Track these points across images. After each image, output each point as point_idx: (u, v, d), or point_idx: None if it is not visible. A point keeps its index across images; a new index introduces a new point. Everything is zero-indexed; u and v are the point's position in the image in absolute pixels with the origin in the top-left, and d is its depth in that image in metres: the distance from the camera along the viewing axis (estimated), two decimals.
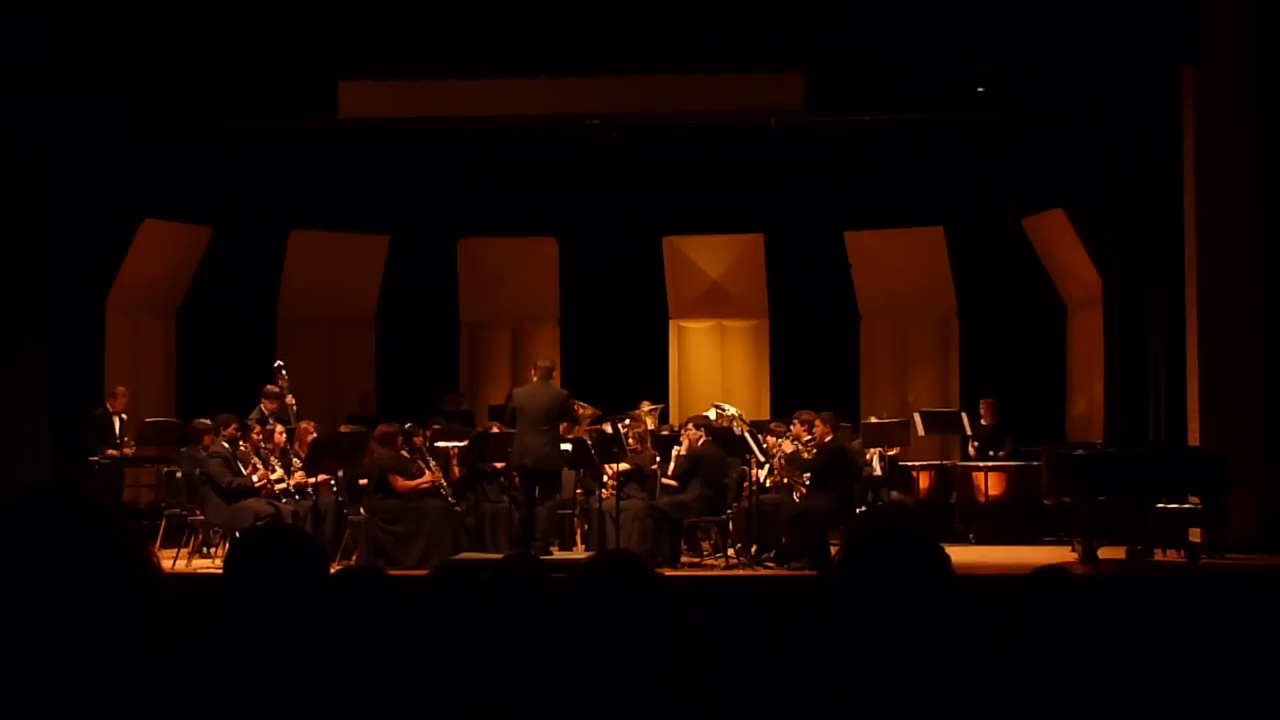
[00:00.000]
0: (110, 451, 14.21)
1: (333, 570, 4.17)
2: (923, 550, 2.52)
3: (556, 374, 13.44)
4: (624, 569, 2.79)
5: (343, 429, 14.19)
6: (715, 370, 18.21)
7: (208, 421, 13.34)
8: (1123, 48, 13.01)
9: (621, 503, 12.52)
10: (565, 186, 17.18)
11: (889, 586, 2.46)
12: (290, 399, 13.69)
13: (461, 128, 15.41)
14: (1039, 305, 16.60)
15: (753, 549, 12.46)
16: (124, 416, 14.50)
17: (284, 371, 13.75)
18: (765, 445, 13.08)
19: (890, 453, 14.80)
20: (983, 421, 15.26)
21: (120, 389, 14.59)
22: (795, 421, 13.08)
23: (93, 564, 1.73)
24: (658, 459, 13.36)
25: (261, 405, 13.86)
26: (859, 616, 2.47)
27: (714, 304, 18.19)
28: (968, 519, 14.57)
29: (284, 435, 13.16)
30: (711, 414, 13.98)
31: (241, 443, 12.61)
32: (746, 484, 12.81)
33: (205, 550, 12.76)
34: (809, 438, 12.74)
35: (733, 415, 14.00)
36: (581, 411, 13.78)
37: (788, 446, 13.09)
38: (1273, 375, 12.81)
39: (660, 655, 2.66)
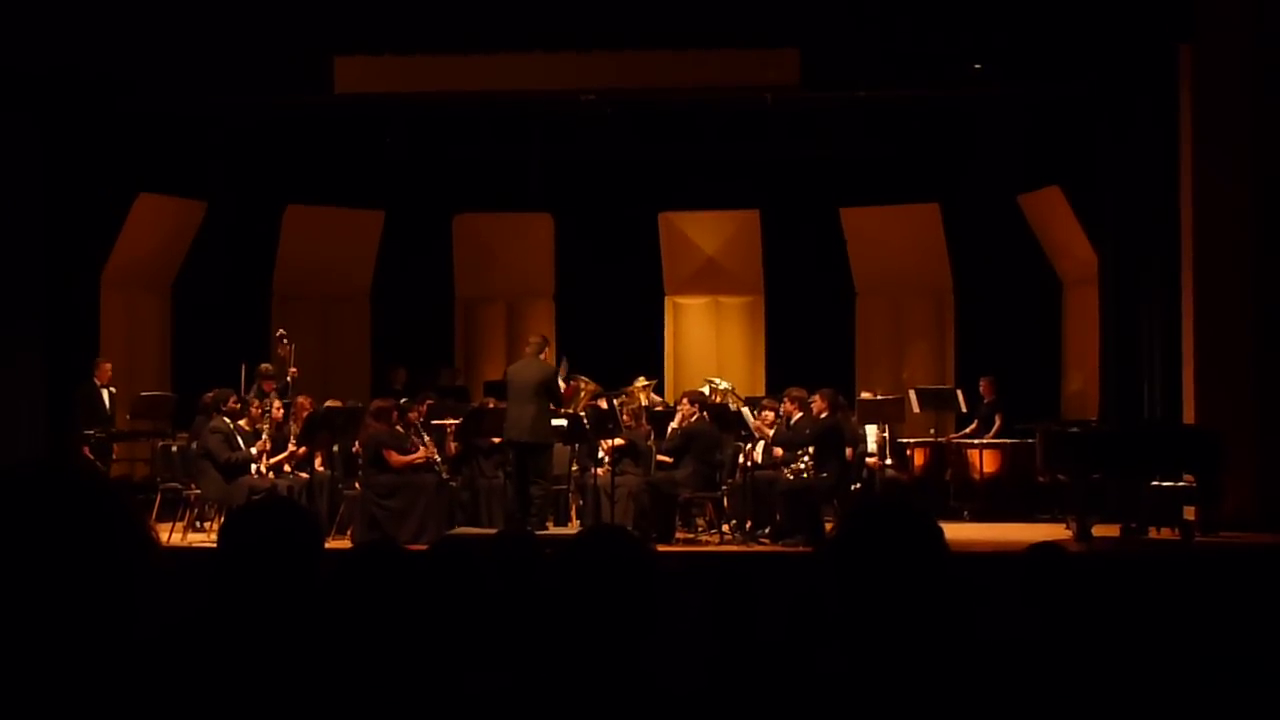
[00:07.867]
0: (100, 429, 14.15)
1: (338, 546, 4.17)
2: (918, 525, 2.53)
3: (551, 350, 13.39)
4: (613, 543, 2.79)
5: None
6: (711, 346, 18.19)
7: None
8: (1119, 24, 13.00)
9: (616, 479, 12.48)
10: (561, 162, 17.13)
11: (885, 561, 2.47)
12: (293, 369, 13.60)
13: (457, 103, 15.36)
14: (1035, 282, 16.56)
15: (747, 525, 12.48)
16: (113, 390, 14.45)
17: (286, 340, 13.63)
18: (757, 421, 13.06)
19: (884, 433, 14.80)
20: (984, 399, 15.29)
21: (105, 363, 14.51)
22: (785, 399, 13.00)
23: (90, 535, 1.73)
24: (653, 435, 13.36)
25: (260, 385, 13.76)
26: (855, 590, 2.48)
27: (709, 280, 18.17)
28: (962, 496, 14.59)
29: (281, 410, 13.14)
30: (705, 389, 13.98)
31: (243, 420, 12.61)
32: (741, 459, 12.80)
33: (200, 525, 12.78)
34: (798, 415, 12.69)
35: (726, 389, 14.01)
36: (585, 387, 13.76)
37: (768, 417, 13.05)
38: (1267, 352, 12.83)
39: (648, 628, 2.66)
